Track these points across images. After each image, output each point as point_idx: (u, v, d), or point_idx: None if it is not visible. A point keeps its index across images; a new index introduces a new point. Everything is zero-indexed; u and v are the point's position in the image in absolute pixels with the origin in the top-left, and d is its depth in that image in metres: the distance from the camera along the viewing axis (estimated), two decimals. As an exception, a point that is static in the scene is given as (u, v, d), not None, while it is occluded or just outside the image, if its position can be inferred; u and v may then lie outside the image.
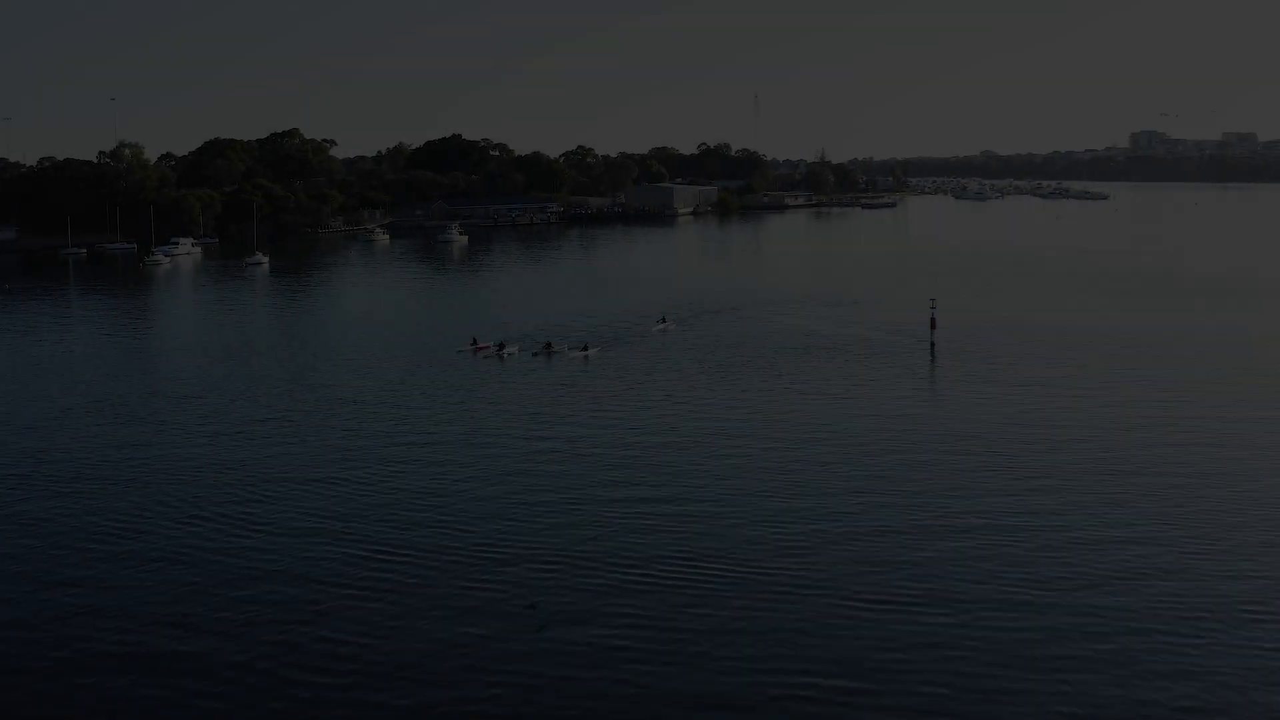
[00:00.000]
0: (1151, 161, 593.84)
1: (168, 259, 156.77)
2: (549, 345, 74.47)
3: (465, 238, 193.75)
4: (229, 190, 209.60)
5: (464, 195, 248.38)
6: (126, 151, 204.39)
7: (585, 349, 73.44)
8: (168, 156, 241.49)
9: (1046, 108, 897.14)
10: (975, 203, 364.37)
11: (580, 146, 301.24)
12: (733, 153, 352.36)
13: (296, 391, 62.85)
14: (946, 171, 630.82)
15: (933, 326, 74.71)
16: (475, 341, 76.03)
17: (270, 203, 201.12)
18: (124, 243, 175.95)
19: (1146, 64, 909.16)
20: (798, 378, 64.97)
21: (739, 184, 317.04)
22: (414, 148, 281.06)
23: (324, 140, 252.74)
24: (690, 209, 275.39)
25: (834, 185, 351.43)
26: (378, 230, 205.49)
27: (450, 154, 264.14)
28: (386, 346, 79.46)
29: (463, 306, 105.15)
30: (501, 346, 74.43)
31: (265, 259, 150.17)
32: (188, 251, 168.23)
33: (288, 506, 41.02)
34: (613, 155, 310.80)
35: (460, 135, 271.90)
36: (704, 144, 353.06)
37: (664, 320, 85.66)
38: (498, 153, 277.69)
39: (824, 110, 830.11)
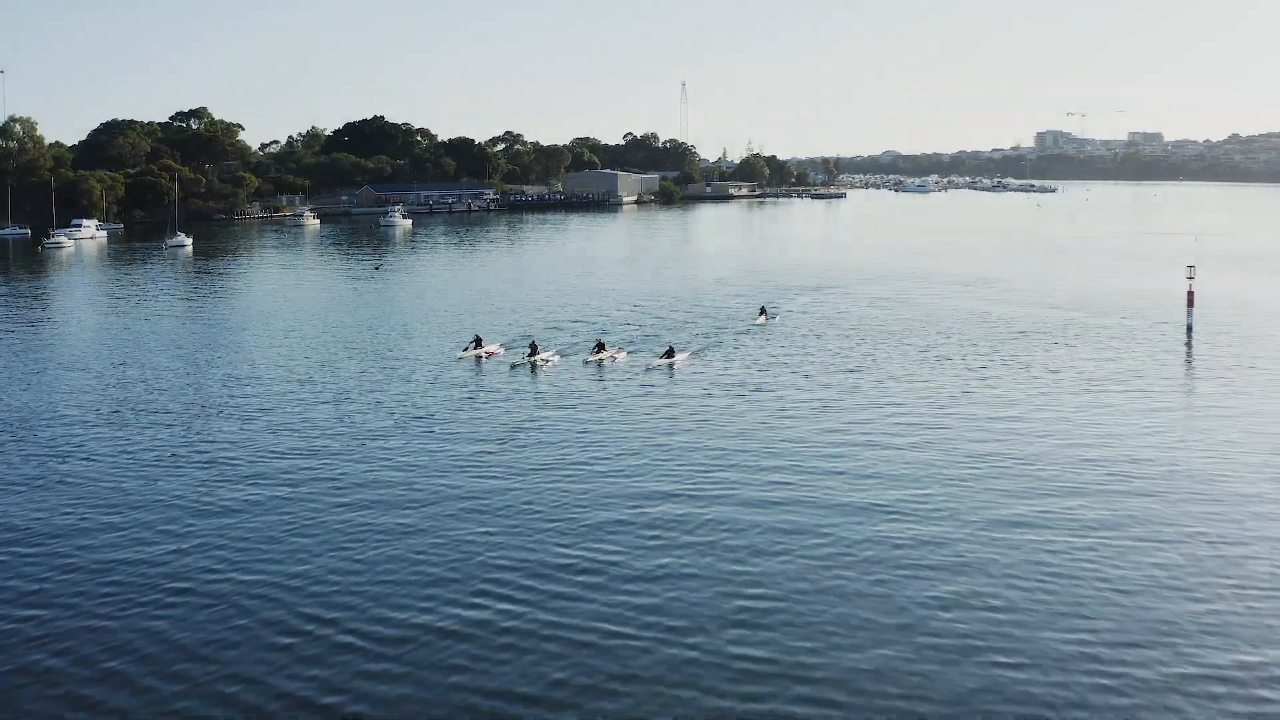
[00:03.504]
0: (1062, 160, 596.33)
1: (71, 241, 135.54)
2: (601, 346, 55.47)
3: (409, 221, 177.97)
4: (133, 173, 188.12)
5: (390, 180, 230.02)
6: (17, 127, 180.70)
7: (670, 354, 53.59)
8: (56, 145, 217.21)
9: (946, 109, 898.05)
10: (918, 195, 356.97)
11: (509, 132, 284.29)
12: (661, 143, 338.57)
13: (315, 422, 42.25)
14: (853, 169, 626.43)
15: (1189, 304, 62.39)
16: (479, 342, 56.92)
17: (179, 186, 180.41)
18: (16, 227, 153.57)
19: (1050, 66, 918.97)
20: (1053, 373, 50.67)
21: (674, 174, 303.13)
22: (329, 132, 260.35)
23: (234, 123, 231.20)
24: (634, 197, 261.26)
25: (768, 177, 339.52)
26: (307, 214, 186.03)
27: (373, 137, 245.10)
28: (378, 346, 60.15)
29: (442, 297, 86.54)
30: (534, 352, 53.95)
31: (188, 240, 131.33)
32: (92, 235, 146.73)
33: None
34: (542, 144, 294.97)
35: (383, 117, 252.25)
36: (630, 134, 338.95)
37: (763, 311, 69.55)
38: (422, 138, 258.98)
39: (731, 106, 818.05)
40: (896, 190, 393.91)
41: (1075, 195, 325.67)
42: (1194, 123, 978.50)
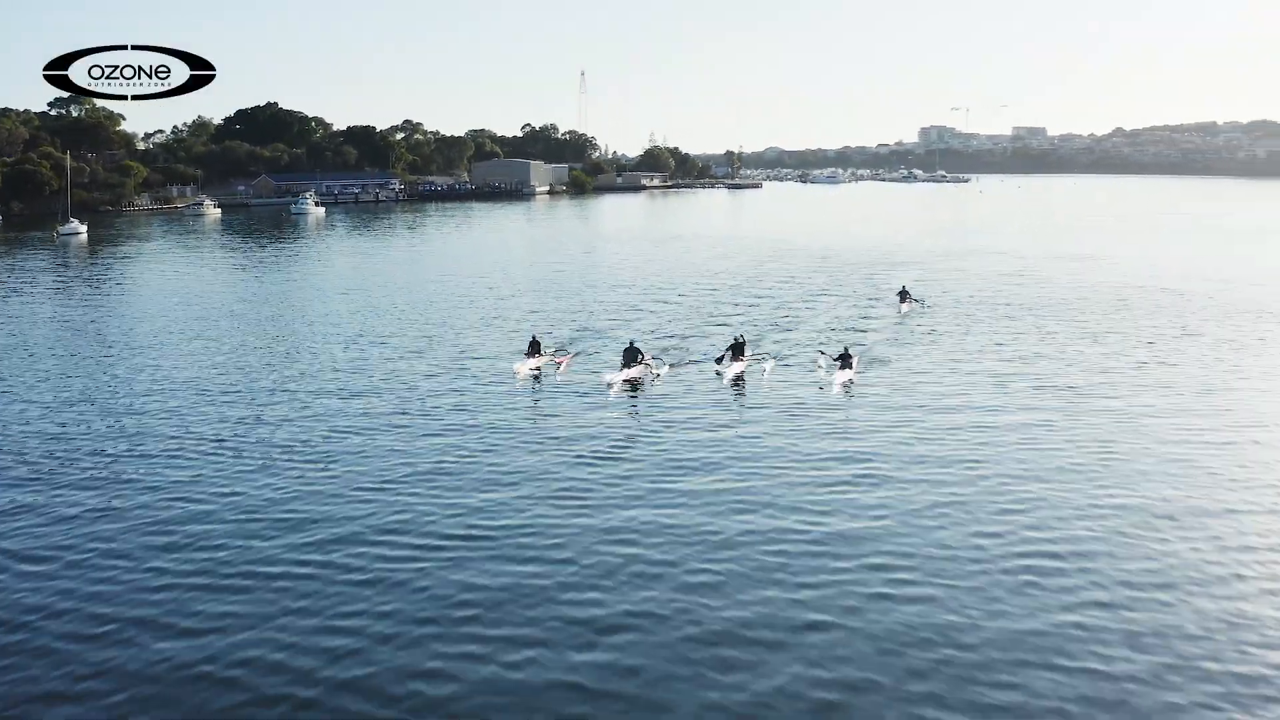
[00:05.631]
0: (949, 154, 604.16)
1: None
2: (739, 350, 41.55)
3: (322, 210, 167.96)
4: (9, 161, 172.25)
5: (289, 169, 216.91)
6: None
7: (846, 361, 40.51)
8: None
9: (827, 107, 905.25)
10: (828, 186, 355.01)
11: (408, 121, 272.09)
12: (560, 134, 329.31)
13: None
14: (745, 164, 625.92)
15: None
16: (537, 348, 42.73)
17: (60, 176, 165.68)
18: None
19: (929, 63, 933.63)
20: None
21: (578, 165, 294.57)
22: (219, 120, 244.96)
23: (116, 112, 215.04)
24: (546, 187, 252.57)
25: (674, 169, 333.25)
26: (207, 203, 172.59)
27: (267, 124, 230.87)
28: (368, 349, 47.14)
29: (425, 281, 77.09)
30: (634, 359, 39.95)
31: (83, 228, 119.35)
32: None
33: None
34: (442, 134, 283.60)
35: (277, 104, 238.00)
36: (528, 125, 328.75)
37: (905, 297, 59.48)
38: (318, 126, 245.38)
39: (628, 99, 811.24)
40: (804, 182, 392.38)
41: (990, 185, 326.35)
42: (1076, 117, 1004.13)
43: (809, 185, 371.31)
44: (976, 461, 29.11)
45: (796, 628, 18.89)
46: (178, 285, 73.70)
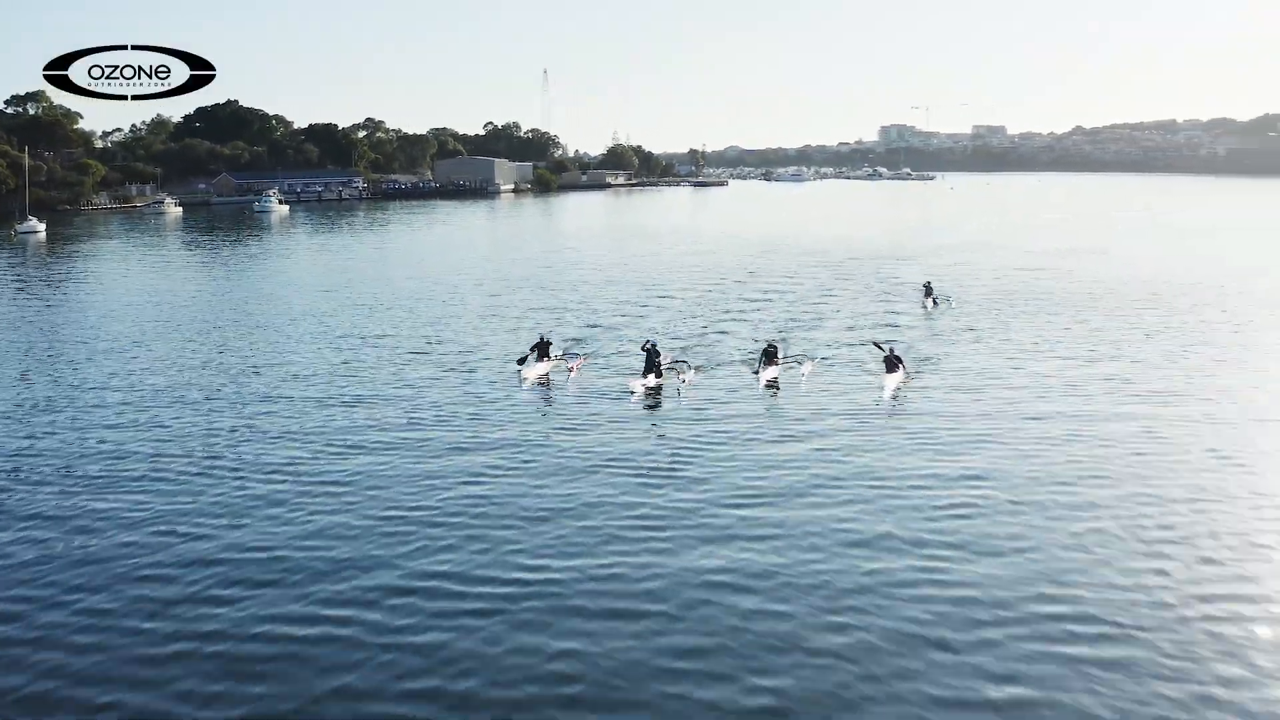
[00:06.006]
0: (910, 153, 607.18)
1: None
2: (772, 355, 38.05)
3: (285, 207, 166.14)
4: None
5: (250, 168, 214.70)
6: None
7: (895, 364, 36.74)
8: None
9: (787, 106, 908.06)
10: (793, 184, 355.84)
11: (369, 119, 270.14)
12: (523, 133, 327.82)
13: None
14: (705, 163, 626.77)
15: None
16: (545, 350, 38.91)
17: (17, 175, 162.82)
18: None
19: (888, 63, 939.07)
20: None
21: (541, 164, 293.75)
22: (178, 118, 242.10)
23: (74, 110, 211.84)
24: (511, 185, 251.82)
25: (638, 167, 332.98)
26: (168, 202, 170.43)
27: (227, 122, 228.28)
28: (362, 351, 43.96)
29: (403, 279, 75.69)
30: (655, 362, 36.27)
31: (41, 226, 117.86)
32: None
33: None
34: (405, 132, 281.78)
35: (237, 101, 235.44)
36: (490, 123, 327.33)
37: (929, 293, 56.26)
38: (279, 124, 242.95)
39: (591, 98, 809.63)
40: (769, 180, 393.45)
41: (960, 182, 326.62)
42: (1036, 116, 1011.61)
43: (774, 183, 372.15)
44: (1102, 477, 25.27)
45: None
46: (143, 283, 72.36)
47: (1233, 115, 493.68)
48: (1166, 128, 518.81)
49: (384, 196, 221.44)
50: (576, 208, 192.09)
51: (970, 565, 20.08)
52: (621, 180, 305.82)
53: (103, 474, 26.38)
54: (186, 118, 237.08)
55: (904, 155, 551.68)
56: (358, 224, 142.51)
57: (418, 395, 35.08)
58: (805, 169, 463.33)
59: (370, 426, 30.91)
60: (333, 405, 33.72)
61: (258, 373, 39.23)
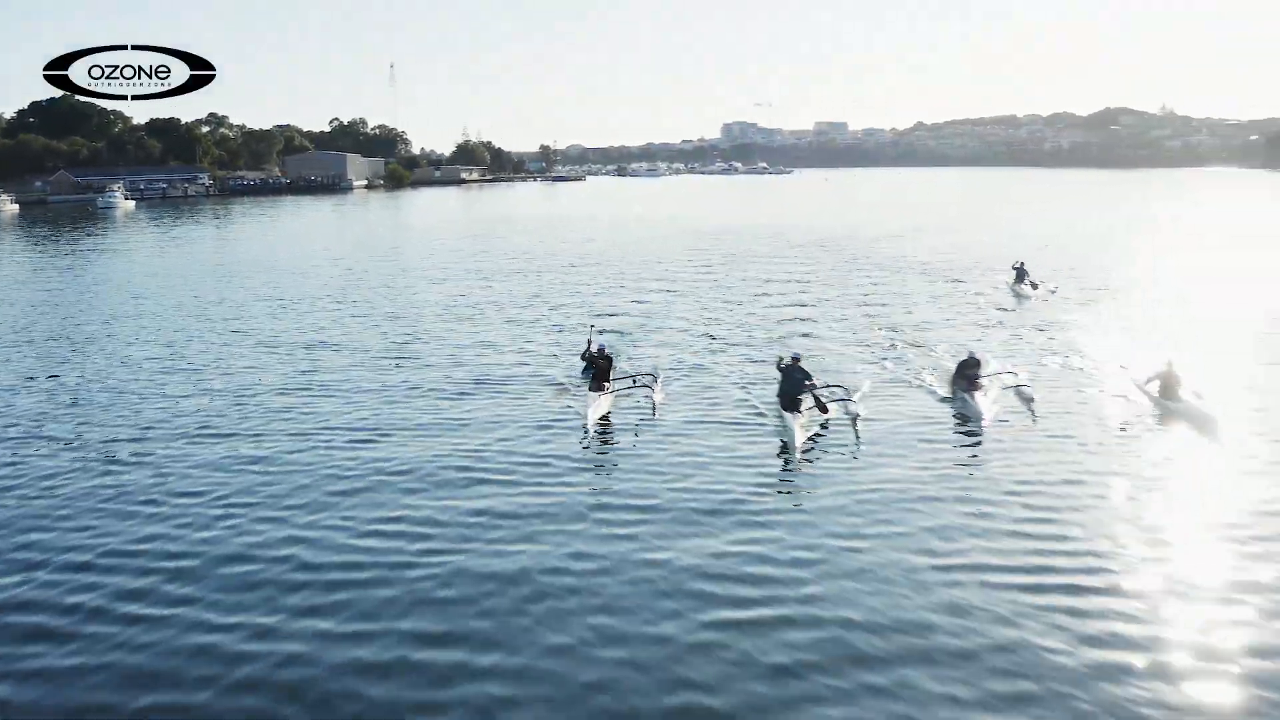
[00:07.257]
0: (753, 149, 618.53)
1: None
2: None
3: (131, 203, 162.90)
4: None
5: (90, 165, 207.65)
6: None
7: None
8: None
9: (627, 106, 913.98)
10: (649, 179, 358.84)
11: (213, 114, 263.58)
12: (370, 129, 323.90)
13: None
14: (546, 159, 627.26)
15: None
16: (605, 369, 28.82)
17: None
18: None
19: (727, 62, 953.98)
20: None
21: (393, 160, 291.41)
22: (10, 114, 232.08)
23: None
24: (364, 181, 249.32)
25: (490, 164, 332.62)
26: (4, 199, 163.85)
27: (64, 117, 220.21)
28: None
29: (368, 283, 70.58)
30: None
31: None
32: None
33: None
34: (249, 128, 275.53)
35: (73, 96, 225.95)
36: (336, 119, 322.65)
37: (1021, 276, 49.26)
38: (118, 119, 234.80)
39: (437, 93, 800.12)
40: (622, 175, 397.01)
41: (814, 177, 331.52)
42: (877, 113, 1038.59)
43: (629, 178, 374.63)
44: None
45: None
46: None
47: (1073, 110, 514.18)
48: (1008, 122, 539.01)
49: (232, 193, 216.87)
50: (438, 202, 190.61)
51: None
52: (475, 176, 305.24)
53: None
54: (20, 112, 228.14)
55: (751, 151, 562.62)
56: (204, 221, 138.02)
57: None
58: (660, 164, 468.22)
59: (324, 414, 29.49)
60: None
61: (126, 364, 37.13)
